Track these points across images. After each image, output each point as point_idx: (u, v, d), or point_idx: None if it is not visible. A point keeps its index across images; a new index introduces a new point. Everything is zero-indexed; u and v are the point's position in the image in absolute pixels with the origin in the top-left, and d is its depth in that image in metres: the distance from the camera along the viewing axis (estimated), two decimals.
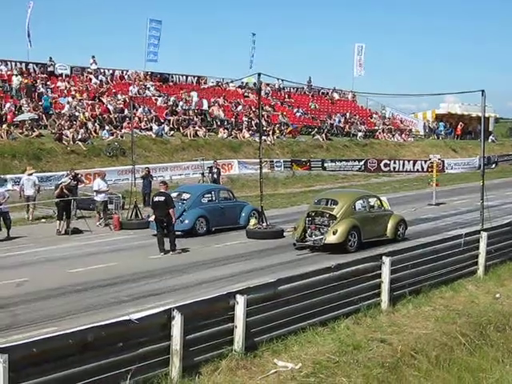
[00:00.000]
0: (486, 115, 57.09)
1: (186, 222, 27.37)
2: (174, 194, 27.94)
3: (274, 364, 12.27)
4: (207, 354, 11.86)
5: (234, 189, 41.47)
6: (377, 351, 13.43)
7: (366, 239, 24.50)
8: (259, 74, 28.29)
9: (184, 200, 28.27)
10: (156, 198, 24.06)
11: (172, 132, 50.31)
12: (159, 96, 55.40)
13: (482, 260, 20.14)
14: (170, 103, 54.26)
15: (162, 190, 24.30)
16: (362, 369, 12.49)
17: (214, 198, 29.17)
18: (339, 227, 23.72)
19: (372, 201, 26.14)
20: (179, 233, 26.02)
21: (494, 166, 64.72)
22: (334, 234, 23.60)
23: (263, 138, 42.29)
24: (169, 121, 51.09)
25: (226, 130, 53.50)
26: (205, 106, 55.93)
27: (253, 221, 27.65)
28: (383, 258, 16.41)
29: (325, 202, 25.26)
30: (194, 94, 57.25)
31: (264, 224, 27.10)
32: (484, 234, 20.34)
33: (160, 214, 23.64)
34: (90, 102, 49.33)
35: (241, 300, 12.33)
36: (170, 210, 23.39)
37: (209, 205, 28.68)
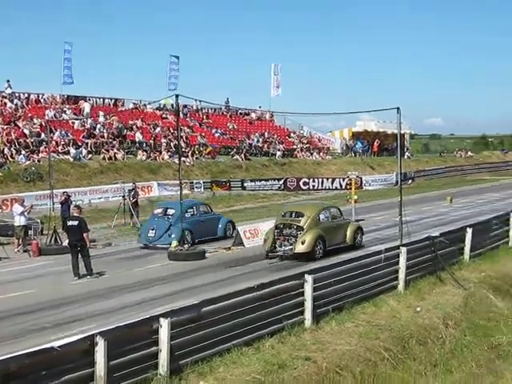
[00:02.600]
0: (402, 132, 58.14)
1: (173, 235, 28.63)
2: (159, 210, 31.75)
3: None
4: (132, 378, 11.74)
5: None
6: (302, 369, 13.48)
7: (330, 247, 26.54)
8: (177, 96, 28.22)
9: (170, 215, 30.33)
10: (70, 223, 23.82)
11: (90, 155, 49.77)
12: (76, 119, 54.77)
13: (402, 275, 20.39)
14: (88, 126, 53.76)
15: (76, 214, 24.09)
16: None
17: (195, 212, 31.39)
18: (307, 237, 25.72)
19: (333, 211, 28.39)
20: (166, 245, 28.16)
21: (410, 181, 65.74)
22: (303, 243, 25.60)
23: (182, 159, 42.19)
24: (86, 144, 50.53)
25: (144, 152, 53.26)
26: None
27: (174, 243, 27.45)
28: (306, 276, 16.50)
29: (291, 215, 27.28)
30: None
31: (186, 245, 26.99)
32: (403, 249, 20.63)
33: (74, 238, 23.39)
34: (5, 126, 48.49)
35: (164, 323, 12.26)
36: (84, 234, 23.15)
37: (192, 219, 30.46)
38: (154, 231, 29.90)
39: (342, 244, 27.28)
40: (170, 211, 30.71)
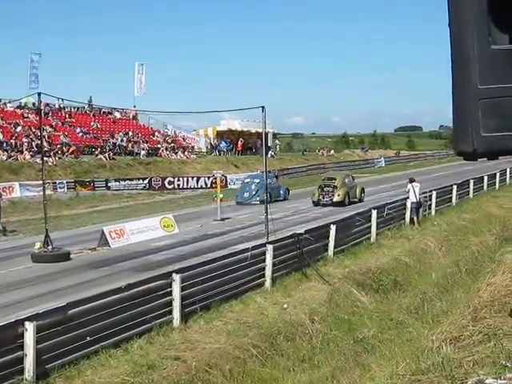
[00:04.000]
0: (266, 131, 58.72)
1: (259, 197, 42.94)
2: (248, 180, 48.28)
3: None
4: None
5: (16, 212, 40.35)
6: (171, 369, 13.46)
7: (351, 199, 42.34)
8: (39, 94, 27.57)
9: (256, 183, 45.36)
10: None
11: None
12: None
13: (268, 272, 20.65)
14: None
15: None
16: None
17: (271, 182, 44.34)
18: (340, 192, 41.75)
19: (350, 177, 44.92)
20: (257, 202, 42.70)
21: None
22: (339, 196, 41.59)
23: (45, 159, 41.31)
24: None
25: (5, 152, 51.76)
26: None
27: (38, 244, 26.80)
28: (173, 275, 16.49)
29: (328, 179, 43.72)
30: None
31: (49, 247, 26.40)
32: (270, 247, 20.88)
33: None
34: None
35: (30, 327, 12.00)
36: None
37: (270, 186, 40.17)
38: (247, 193, 45.55)
39: (355, 198, 43.03)
40: (256, 180, 46.08)
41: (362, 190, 44.59)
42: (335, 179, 42.99)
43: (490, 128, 2.63)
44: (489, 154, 2.74)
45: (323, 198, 41.77)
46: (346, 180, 43.29)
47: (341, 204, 40.41)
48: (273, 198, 42.41)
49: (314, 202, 42.17)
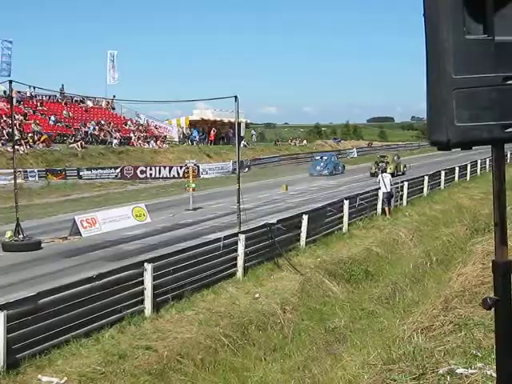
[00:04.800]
0: (238, 121, 58.56)
1: (327, 170, 58.31)
2: (318, 157, 63.35)
3: (38, 380, 11.98)
4: None
5: None
6: (143, 359, 13.44)
7: (398, 172, 53.83)
8: (10, 82, 27.34)
9: (325, 159, 60.82)
10: None
11: None
12: None
13: (240, 262, 20.64)
14: None
15: None
16: (129, 378, 12.47)
17: (335, 159, 62.64)
18: (391, 166, 53.77)
19: (398, 156, 59.90)
20: (327, 174, 57.52)
21: (246, 169, 66.23)
22: (390, 169, 51.46)
23: (16, 147, 41.00)
24: None
25: None
26: None
27: (8, 233, 26.61)
28: (145, 264, 16.45)
29: (382, 156, 59.05)
30: None
31: (21, 236, 26.23)
32: (242, 237, 20.87)
33: None
34: None
35: (0, 316, 11.93)
36: None
37: (334, 162, 61.01)
38: (319, 167, 58.62)
39: (400, 171, 54.73)
40: (324, 157, 61.82)
41: (405, 166, 57.08)
42: (387, 157, 58.09)
43: (463, 118, 2.64)
44: (462, 144, 2.74)
45: (378, 170, 49.79)
46: (395, 157, 57.69)
47: (391, 175, 44.82)
48: (335, 172, 58.92)
49: (371, 173, 53.05)
